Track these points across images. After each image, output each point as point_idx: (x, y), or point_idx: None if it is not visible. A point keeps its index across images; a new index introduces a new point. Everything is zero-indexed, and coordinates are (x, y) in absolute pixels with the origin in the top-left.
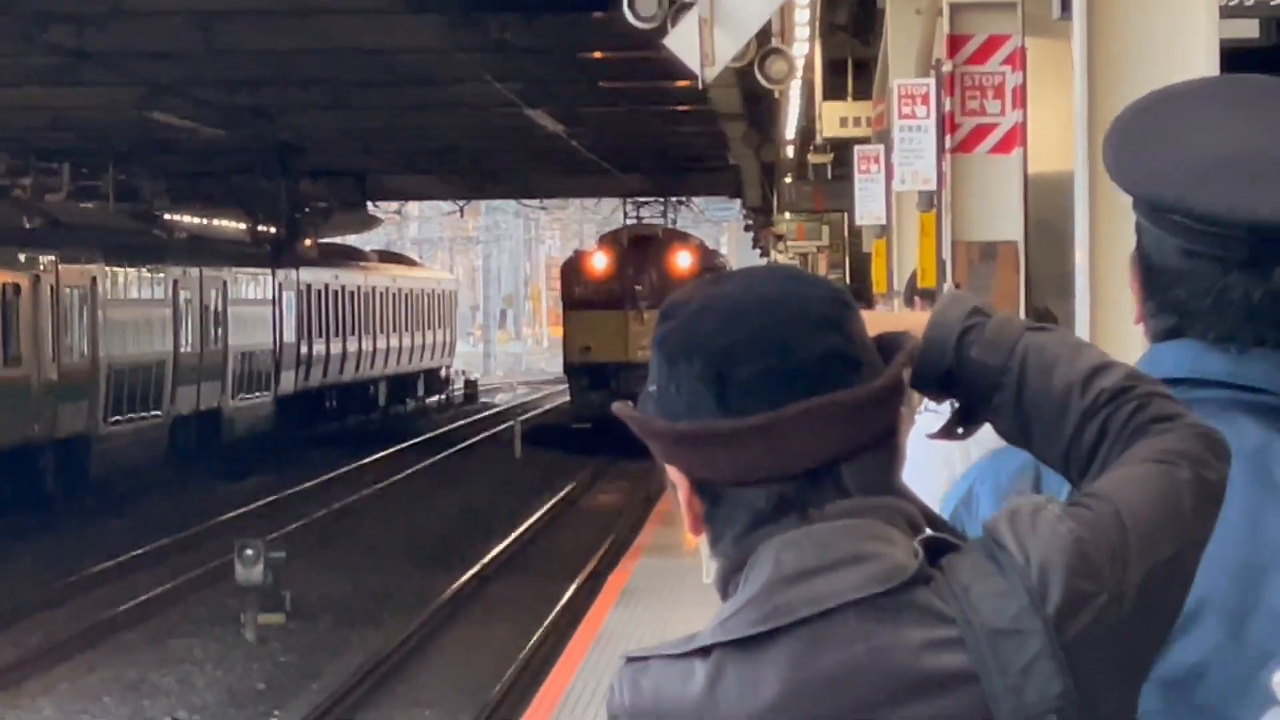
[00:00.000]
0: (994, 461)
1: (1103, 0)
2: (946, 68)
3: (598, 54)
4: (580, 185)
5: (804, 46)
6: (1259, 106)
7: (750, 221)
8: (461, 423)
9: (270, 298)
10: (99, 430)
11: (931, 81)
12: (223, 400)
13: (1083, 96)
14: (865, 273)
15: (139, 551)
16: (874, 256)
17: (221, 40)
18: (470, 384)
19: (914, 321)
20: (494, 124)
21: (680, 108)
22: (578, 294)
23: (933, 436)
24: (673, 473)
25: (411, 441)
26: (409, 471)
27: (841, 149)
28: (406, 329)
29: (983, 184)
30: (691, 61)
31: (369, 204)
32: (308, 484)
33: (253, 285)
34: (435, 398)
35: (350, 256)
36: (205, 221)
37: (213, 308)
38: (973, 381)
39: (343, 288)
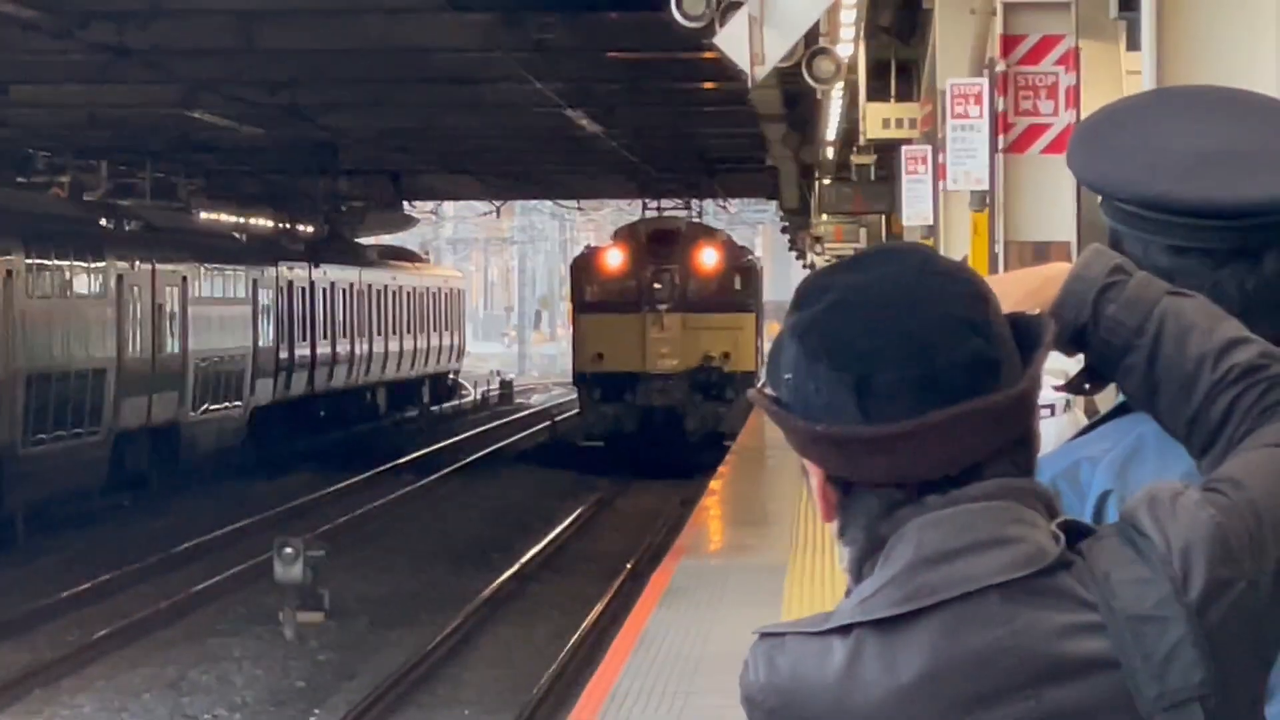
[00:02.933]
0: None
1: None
2: (1000, 67)
3: (638, 55)
4: (617, 186)
5: (849, 47)
6: (1207, 112)
7: (787, 223)
8: (497, 423)
9: (243, 296)
10: (17, 450)
11: (985, 81)
12: (180, 413)
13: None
14: None
15: (175, 550)
16: None
17: (262, 39)
18: (505, 384)
19: (1053, 274)
20: (532, 124)
21: (719, 109)
22: (590, 295)
23: (1059, 389)
24: (806, 462)
25: (446, 442)
26: (444, 472)
27: (884, 150)
28: (409, 331)
29: (1036, 184)
30: (741, 60)
31: (405, 204)
32: (342, 484)
33: (221, 282)
34: (463, 400)
35: (342, 251)
36: (174, 212)
37: (169, 307)
38: (1107, 339)
39: (332, 285)
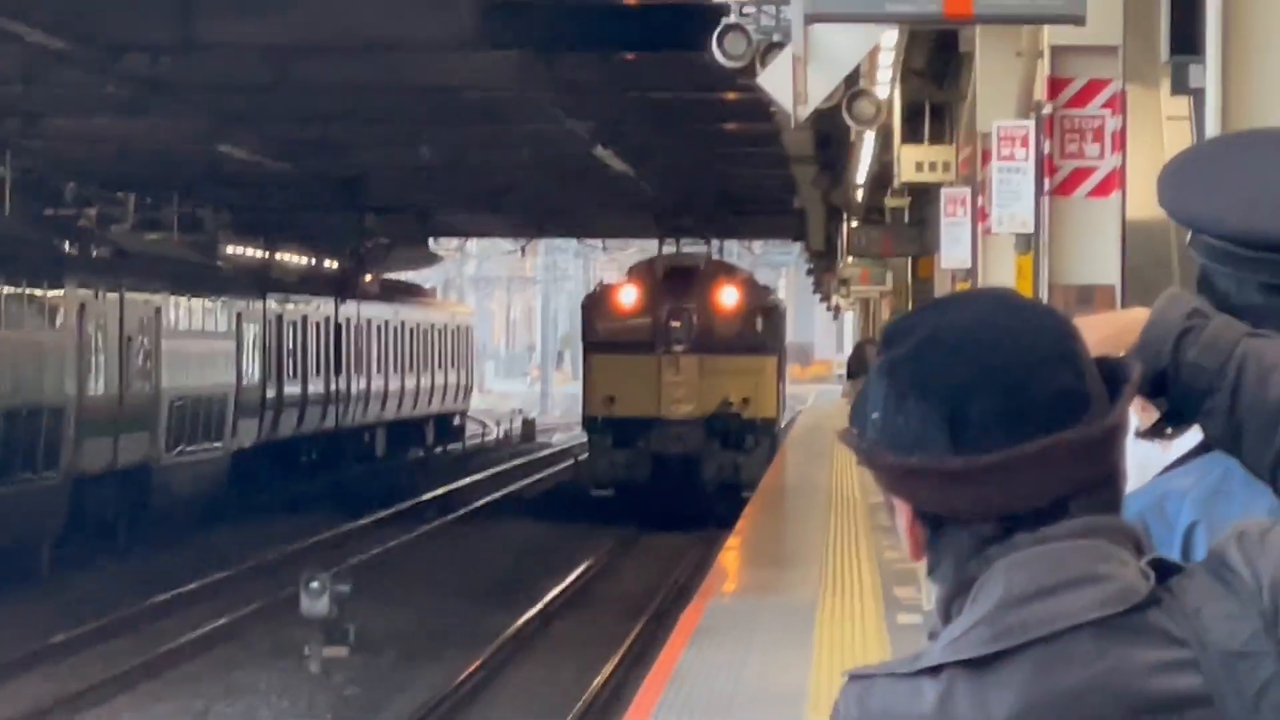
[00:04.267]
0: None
1: (1238, 40)
2: (1046, 110)
3: (669, 95)
4: (643, 226)
5: (885, 89)
6: None
7: (812, 266)
8: (519, 461)
9: (225, 330)
10: None
11: (1031, 124)
12: (152, 455)
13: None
14: None
15: (199, 584)
16: None
17: (294, 74)
18: (528, 424)
19: (1133, 319)
20: (560, 163)
21: (748, 150)
22: (602, 333)
23: (1141, 436)
24: (895, 499)
25: (469, 480)
26: (466, 510)
27: (915, 193)
28: (411, 369)
29: (1081, 227)
30: (785, 100)
31: (430, 240)
32: (365, 520)
33: (200, 315)
34: (485, 439)
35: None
36: (150, 239)
37: (139, 341)
38: (1188, 383)
39: (325, 320)
